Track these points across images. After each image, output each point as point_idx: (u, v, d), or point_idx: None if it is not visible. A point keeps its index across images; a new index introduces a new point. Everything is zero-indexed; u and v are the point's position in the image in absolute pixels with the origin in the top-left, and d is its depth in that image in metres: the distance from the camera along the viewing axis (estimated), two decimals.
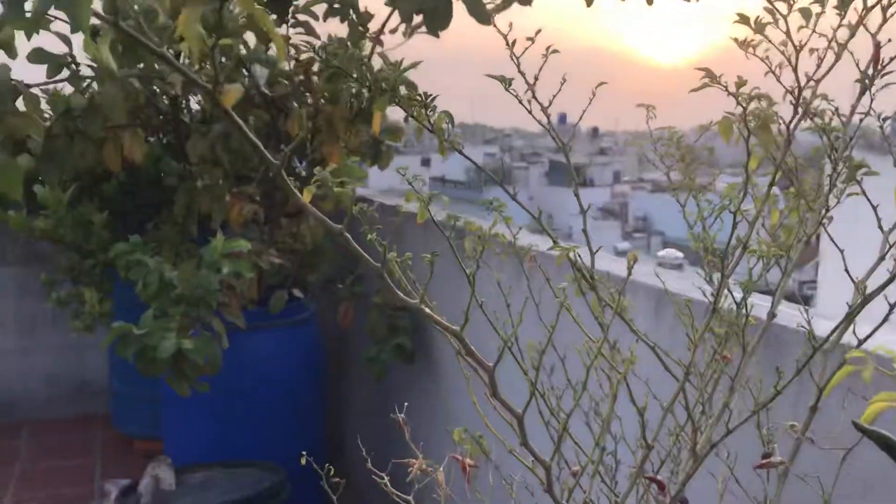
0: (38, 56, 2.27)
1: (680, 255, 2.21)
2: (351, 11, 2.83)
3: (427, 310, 0.98)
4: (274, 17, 2.94)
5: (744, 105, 0.91)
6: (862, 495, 1.10)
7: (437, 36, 2.28)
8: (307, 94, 2.89)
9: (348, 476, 1.31)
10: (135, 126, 2.65)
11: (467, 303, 1.07)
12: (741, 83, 0.91)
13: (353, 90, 2.60)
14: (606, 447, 0.99)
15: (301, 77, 2.92)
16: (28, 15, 1.83)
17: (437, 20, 2.33)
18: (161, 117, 2.95)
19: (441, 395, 2.74)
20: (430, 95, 0.99)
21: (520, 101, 1.06)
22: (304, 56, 2.95)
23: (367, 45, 2.84)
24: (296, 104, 2.87)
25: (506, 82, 0.96)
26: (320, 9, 2.89)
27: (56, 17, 2.33)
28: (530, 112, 1.07)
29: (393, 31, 2.77)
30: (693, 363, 0.93)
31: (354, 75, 2.09)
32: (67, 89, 2.77)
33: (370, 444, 1.34)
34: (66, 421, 4.47)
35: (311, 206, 1.00)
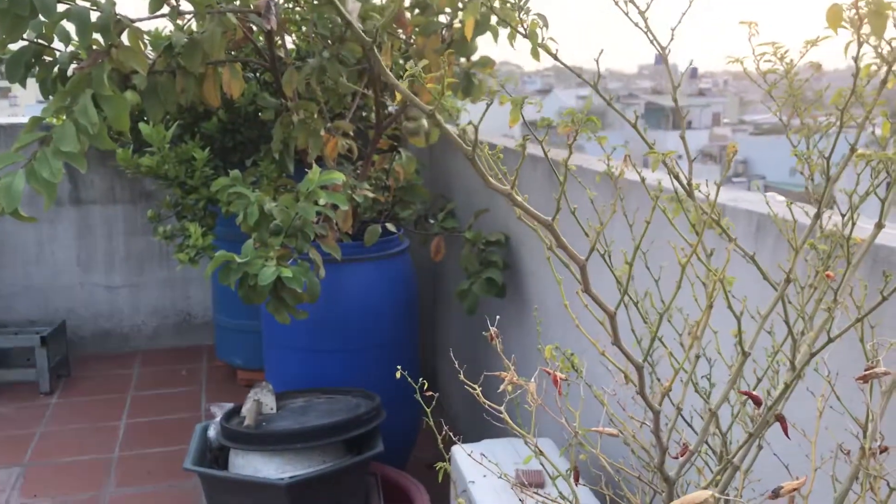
0: None
1: (782, 198, 2.14)
2: None
3: (518, 198, 0.98)
4: None
5: None
6: None
7: None
8: (399, 27, 2.89)
9: (440, 405, 1.34)
10: (233, 62, 2.71)
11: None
12: None
13: (446, 21, 2.58)
14: (700, 355, 0.98)
15: (394, 10, 2.92)
16: None
17: None
18: (258, 54, 3.01)
19: (531, 330, 2.75)
20: None
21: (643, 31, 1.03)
22: None
23: None
24: (385, 37, 2.87)
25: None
26: None
27: None
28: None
29: None
30: (793, 271, 0.90)
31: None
32: (163, 28, 2.85)
33: (466, 373, 1.37)
34: (174, 351, 4.71)
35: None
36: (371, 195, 2.80)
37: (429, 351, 3.96)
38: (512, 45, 1.16)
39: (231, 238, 3.55)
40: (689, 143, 1.48)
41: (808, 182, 1.25)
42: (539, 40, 0.99)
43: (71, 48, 2.40)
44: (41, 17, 1.97)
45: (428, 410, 1.28)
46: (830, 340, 0.86)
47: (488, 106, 1.13)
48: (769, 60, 1.36)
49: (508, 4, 1.00)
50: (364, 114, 3.48)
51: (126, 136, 3.21)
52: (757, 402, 0.98)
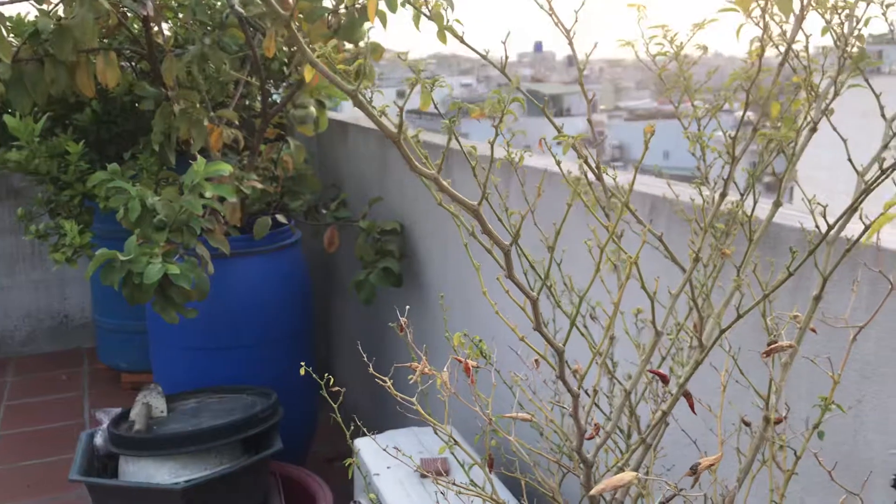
0: None
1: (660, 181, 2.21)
2: None
3: (444, 183, 0.95)
4: None
5: None
6: (860, 381, 1.12)
7: None
8: (283, 10, 2.80)
9: (338, 398, 1.30)
10: (107, 50, 2.57)
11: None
12: None
13: (335, 7, 2.52)
14: (615, 337, 0.99)
15: None
16: None
17: None
18: (133, 42, 2.86)
19: (431, 318, 2.74)
20: None
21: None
22: None
23: None
24: (269, 23, 2.78)
25: None
26: None
27: None
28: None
29: None
30: (702, 250, 0.92)
31: None
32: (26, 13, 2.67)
33: (361, 366, 1.34)
34: (52, 356, 4.46)
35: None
36: (259, 186, 2.72)
37: (325, 344, 3.90)
38: (417, 27, 1.13)
39: (111, 235, 3.38)
40: (569, 129, 1.50)
41: (699, 162, 1.28)
42: (445, 22, 0.97)
43: None
44: None
45: (335, 406, 1.25)
46: (739, 317, 0.88)
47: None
48: (659, 43, 1.39)
49: None
50: (248, 102, 3.37)
51: None
52: (665, 381, 0.99)
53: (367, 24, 2.51)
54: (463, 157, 1.10)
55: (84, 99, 3.26)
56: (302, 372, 1.25)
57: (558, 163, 1.07)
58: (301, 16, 2.74)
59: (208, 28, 2.94)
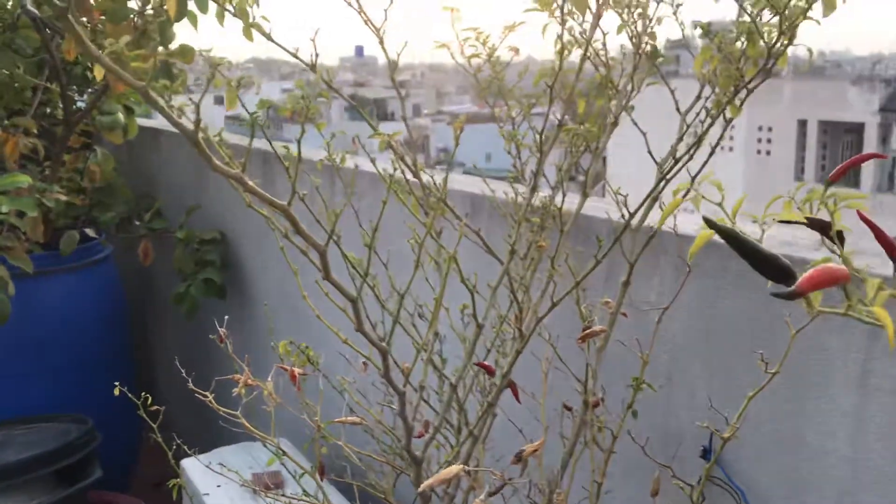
0: None
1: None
2: None
3: (250, 183, 0.92)
4: None
5: None
6: (669, 361, 1.19)
7: None
8: (83, 13, 2.63)
9: (164, 417, 1.24)
10: None
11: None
12: None
13: (137, 7, 2.40)
14: (438, 333, 0.99)
15: None
16: None
17: None
18: None
19: (259, 328, 2.67)
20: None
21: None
22: None
23: None
24: (70, 24, 2.61)
25: None
26: None
27: None
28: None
29: None
30: (517, 243, 0.95)
31: None
32: None
33: (184, 385, 1.28)
34: None
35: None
36: (64, 198, 2.54)
37: (146, 363, 3.70)
38: (221, 23, 1.09)
39: None
40: (389, 132, 1.51)
41: (515, 160, 1.32)
42: (251, 19, 0.94)
43: None
44: None
45: (155, 426, 1.18)
46: (554, 305, 0.91)
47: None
48: (473, 45, 1.42)
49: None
50: (49, 110, 3.14)
51: None
52: (490, 372, 1.01)
53: (176, 27, 2.41)
54: (286, 165, 1.08)
55: None
56: (117, 392, 1.17)
57: (373, 160, 1.06)
58: (103, 17, 2.58)
59: None
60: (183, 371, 1.19)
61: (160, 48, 2.58)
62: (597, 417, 0.98)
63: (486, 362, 1.01)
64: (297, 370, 1.02)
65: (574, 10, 0.93)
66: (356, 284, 1.07)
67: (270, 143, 0.97)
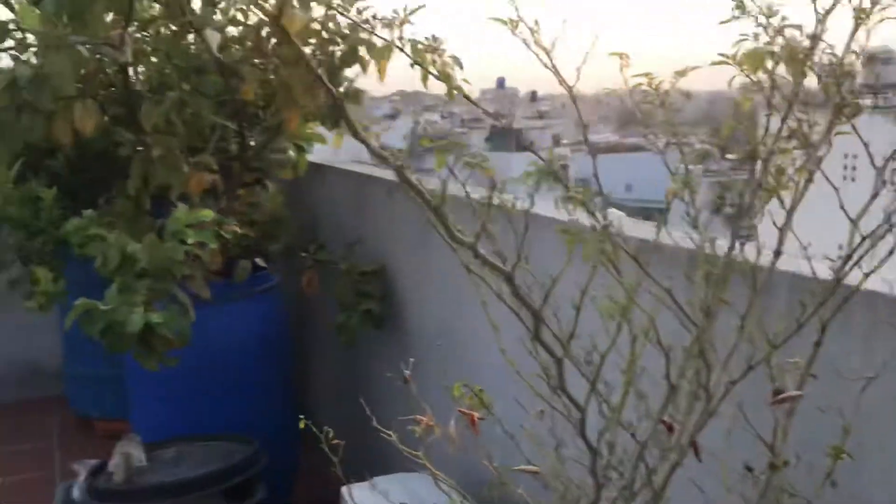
0: None
1: (620, 213, 2.25)
2: None
3: (482, 252, 0.95)
4: None
5: (772, 35, 0.91)
6: (870, 428, 1.13)
7: None
8: (260, 58, 2.82)
9: (318, 442, 1.29)
10: (85, 97, 2.55)
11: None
12: (770, 13, 0.91)
13: (313, 52, 2.55)
14: (630, 391, 1.00)
15: (253, 41, 2.85)
16: None
17: None
18: (110, 87, 2.85)
19: (414, 362, 2.73)
20: (439, 39, 0.96)
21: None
22: (251, 20, 2.88)
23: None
24: (249, 69, 2.80)
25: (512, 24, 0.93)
26: None
27: None
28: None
29: None
30: (714, 305, 0.94)
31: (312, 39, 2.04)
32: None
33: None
34: (20, 405, 4.34)
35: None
36: (240, 231, 2.70)
37: (303, 387, 3.86)
38: (424, 85, 1.15)
39: (86, 282, 3.32)
40: (532, 165, 1.52)
41: (689, 206, 1.30)
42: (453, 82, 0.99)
43: None
44: None
45: (326, 446, 1.23)
46: (751, 368, 0.89)
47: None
48: (645, 90, 1.42)
49: (420, 46, 0.98)
50: (224, 146, 3.36)
51: None
52: (671, 430, 1.00)
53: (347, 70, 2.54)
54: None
55: (56, 144, 3.23)
56: (302, 425, 1.24)
57: (565, 207, 1.07)
58: (280, 62, 2.75)
59: (186, 73, 2.94)
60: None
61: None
62: (787, 483, 0.95)
63: (663, 419, 1.00)
64: (476, 415, 1.05)
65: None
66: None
67: (468, 194, 1.00)
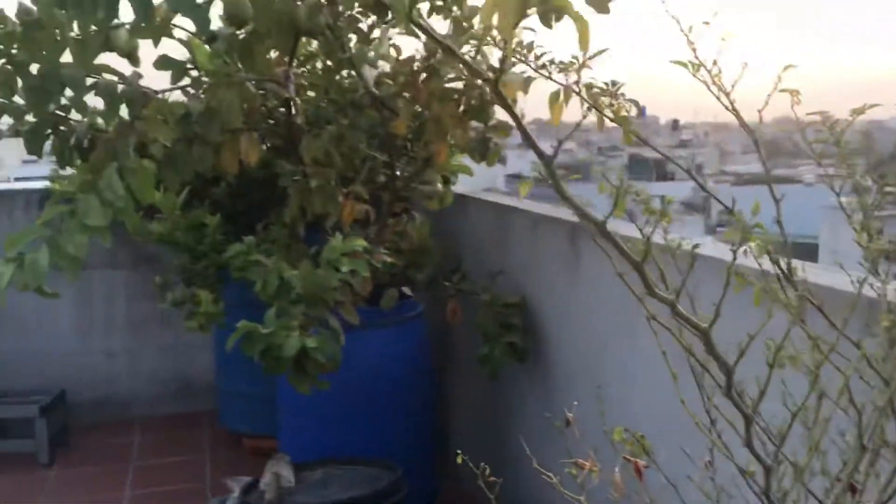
0: (164, 63, 2.33)
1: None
2: (455, 9, 2.82)
3: (681, 309, 0.94)
4: (373, 17, 2.97)
5: None
6: None
7: (551, 27, 2.24)
8: (413, 92, 2.90)
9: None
10: (250, 130, 2.70)
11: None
12: None
13: (463, 86, 2.59)
14: (815, 448, 0.95)
15: (406, 77, 2.94)
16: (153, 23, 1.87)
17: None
18: (272, 121, 3.01)
19: (554, 396, 2.71)
20: (617, 84, 0.96)
21: None
22: (403, 56, 2.97)
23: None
24: (401, 104, 2.88)
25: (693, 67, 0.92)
26: (423, 7, 2.89)
27: (176, 25, 2.40)
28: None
29: (490, 28, 2.75)
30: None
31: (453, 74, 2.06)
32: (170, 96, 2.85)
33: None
34: (175, 418, 4.60)
35: None
36: (389, 260, 2.77)
37: (444, 413, 3.90)
38: (600, 129, 1.15)
39: (241, 304, 3.50)
40: (673, 194, 1.46)
41: (868, 244, 1.23)
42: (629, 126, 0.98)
43: (88, 120, 2.39)
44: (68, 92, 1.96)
45: (492, 494, 1.24)
46: None
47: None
48: (819, 130, 1.36)
49: (596, 90, 0.98)
50: (371, 176, 3.47)
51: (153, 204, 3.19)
52: (854, 492, 0.94)
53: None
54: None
55: (220, 174, 3.43)
56: (459, 459, 1.24)
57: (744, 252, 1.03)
58: (432, 96, 2.82)
59: (340, 107, 3.06)
60: (527, 447, 1.24)
61: (478, 123, 2.77)
62: None
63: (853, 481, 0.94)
64: (641, 463, 1.02)
65: None
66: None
67: (619, 244, 0.99)
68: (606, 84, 1.02)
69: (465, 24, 2.82)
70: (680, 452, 1.17)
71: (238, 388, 4.01)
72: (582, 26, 0.93)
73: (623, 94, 0.99)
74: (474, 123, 2.77)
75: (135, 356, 4.60)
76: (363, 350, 2.82)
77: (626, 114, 0.98)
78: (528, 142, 0.92)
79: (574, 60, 1.10)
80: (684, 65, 0.95)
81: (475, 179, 3.50)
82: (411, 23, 1.58)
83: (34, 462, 3.98)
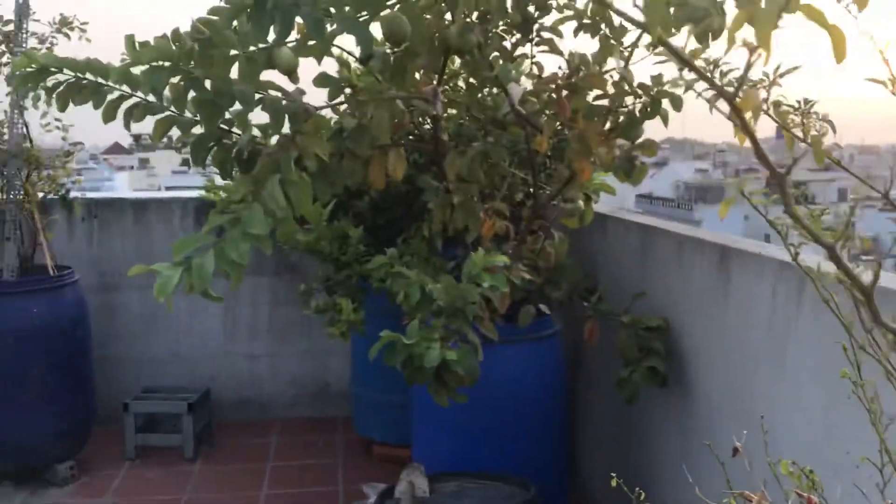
0: (323, 80, 2.44)
1: None
2: (603, 26, 2.81)
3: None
4: (517, 36, 3.00)
5: None
6: None
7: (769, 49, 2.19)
8: (557, 110, 2.90)
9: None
10: (397, 146, 2.77)
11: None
12: None
13: (613, 104, 2.57)
14: None
15: (550, 94, 2.95)
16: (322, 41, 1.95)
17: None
18: (411, 136, 3.08)
19: (695, 424, 2.62)
20: (809, 102, 0.94)
21: None
22: (546, 74, 2.98)
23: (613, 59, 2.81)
24: (547, 121, 2.89)
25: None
26: (570, 25, 2.90)
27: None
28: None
29: (649, 47, 2.71)
30: None
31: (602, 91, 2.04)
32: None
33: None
34: (311, 421, 4.76)
35: None
36: (528, 277, 2.78)
37: (575, 434, 3.86)
38: (790, 149, 1.11)
39: (379, 313, 3.59)
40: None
41: None
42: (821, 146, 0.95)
43: (248, 133, 2.52)
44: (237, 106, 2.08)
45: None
46: None
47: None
48: None
49: (785, 107, 0.96)
50: (509, 193, 3.49)
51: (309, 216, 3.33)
52: None
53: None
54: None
55: (364, 187, 3.54)
56: (614, 483, 1.23)
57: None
58: (576, 114, 2.82)
59: (481, 124, 3.10)
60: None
61: (625, 141, 2.74)
62: None
63: None
64: (815, 499, 0.98)
65: None
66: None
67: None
68: (798, 103, 0.98)
69: (612, 41, 2.82)
70: (851, 489, 1.12)
71: (371, 395, 4.11)
72: (837, 36, 0.89)
73: (816, 114, 0.96)
74: (619, 141, 2.74)
75: (275, 360, 4.80)
76: (499, 365, 2.82)
77: (817, 134, 0.95)
78: (763, 160, 0.90)
79: (764, 77, 1.07)
80: (883, 83, 0.91)
81: (606, 199, 3.46)
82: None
83: (180, 456, 4.21)
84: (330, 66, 3.58)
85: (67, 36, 4.00)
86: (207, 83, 2.06)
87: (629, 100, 2.60)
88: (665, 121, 2.47)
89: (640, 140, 2.67)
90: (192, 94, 2.04)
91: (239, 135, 2.55)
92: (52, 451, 3.86)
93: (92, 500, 3.75)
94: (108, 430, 4.28)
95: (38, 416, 3.75)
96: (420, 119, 3.24)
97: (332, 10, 2.01)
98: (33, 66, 2.20)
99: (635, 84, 2.56)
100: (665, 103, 2.49)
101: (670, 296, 2.89)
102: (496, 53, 2.85)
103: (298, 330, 4.79)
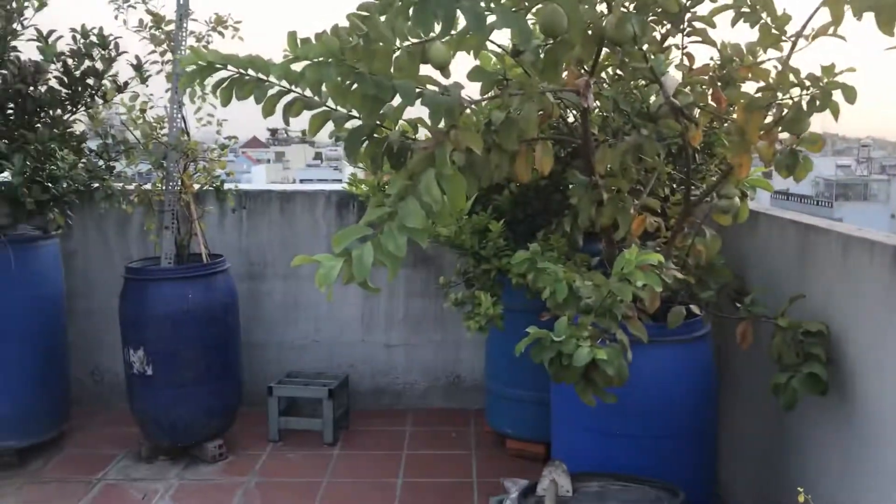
0: (477, 74, 2.43)
1: None
2: (764, 15, 2.68)
3: None
4: (668, 26, 2.89)
5: None
6: None
7: (893, 34, 2.04)
8: (713, 102, 2.79)
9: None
10: (546, 139, 2.74)
11: None
12: None
13: (777, 96, 2.45)
14: None
15: (703, 86, 2.84)
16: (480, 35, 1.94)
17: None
18: (553, 130, 3.03)
19: (856, 436, 2.47)
20: None
21: None
22: (697, 65, 2.87)
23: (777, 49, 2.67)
24: (703, 114, 2.79)
25: None
26: (725, 15, 2.78)
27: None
28: None
29: (814, 36, 2.56)
30: None
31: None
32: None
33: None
34: (443, 412, 4.81)
35: None
36: (680, 276, 2.69)
37: (721, 440, 3.72)
38: None
39: (516, 308, 3.58)
40: None
41: None
42: None
43: (400, 128, 2.55)
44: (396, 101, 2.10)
45: None
46: None
47: None
48: None
49: None
50: (658, 188, 3.39)
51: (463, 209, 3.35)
52: None
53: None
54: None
55: (504, 182, 3.52)
56: (801, 499, 1.16)
57: None
58: (733, 106, 2.70)
59: (628, 117, 3.02)
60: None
61: (787, 135, 2.60)
62: None
63: None
64: None
65: None
66: None
67: None
68: None
69: (774, 30, 2.68)
70: None
71: (505, 390, 4.10)
72: None
73: None
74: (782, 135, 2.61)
75: (410, 350, 4.87)
76: (645, 366, 2.74)
77: None
78: None
79: None
80: None
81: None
82: None
83: (320, 440, 4.33)
84: (469, 60, 3.59)
85: (222, 34, 4.17)
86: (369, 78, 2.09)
87: (795, 91, 2.46)
88: (836, 114, 2.32)
89: (805, 134, 2.53)
90: (354, 88, 2.08)
91: (390, 129, 2.58)
92: (203, 429, 4.06)
93: (239, 478, 3.92)
94: (250, 413, 4.46)
95: (192, 395, 3.95)
96: (562, 113, 3.19)
97: (492, 3, 2.00)
98: (200, 62, 2.30)
99: (802, 75, 2.43)
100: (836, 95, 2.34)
101: (831, 299, 2.72)
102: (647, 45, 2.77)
103: (432, 321, 4.84)
